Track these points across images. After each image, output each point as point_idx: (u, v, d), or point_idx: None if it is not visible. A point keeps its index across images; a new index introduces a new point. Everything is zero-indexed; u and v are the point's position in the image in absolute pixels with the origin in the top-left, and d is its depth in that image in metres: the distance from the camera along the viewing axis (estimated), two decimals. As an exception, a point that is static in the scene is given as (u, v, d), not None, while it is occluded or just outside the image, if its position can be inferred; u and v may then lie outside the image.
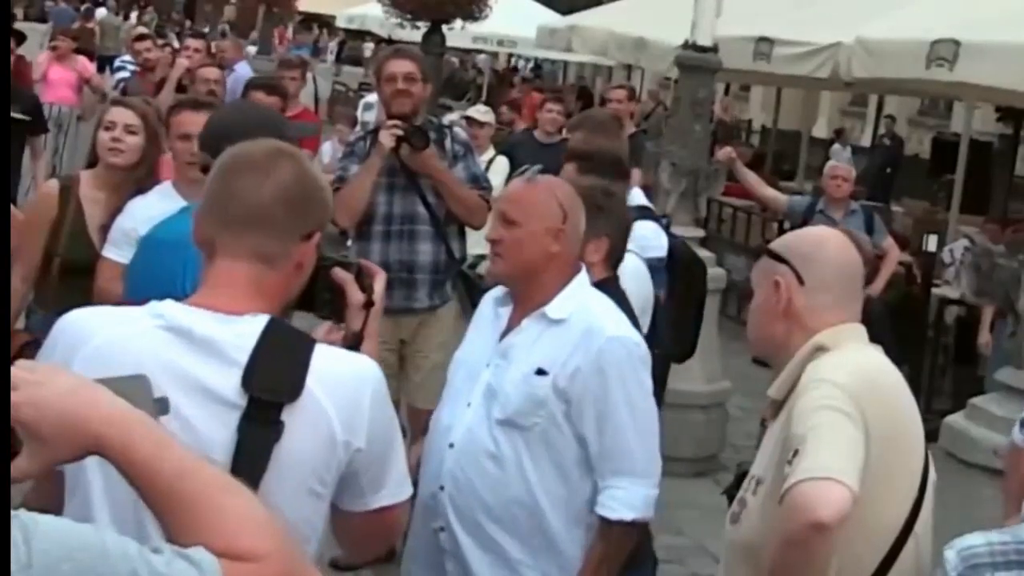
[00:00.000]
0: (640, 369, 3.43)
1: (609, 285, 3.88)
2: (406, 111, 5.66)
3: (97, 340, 2.18)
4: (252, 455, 2.13)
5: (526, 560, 3.39)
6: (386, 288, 5.78)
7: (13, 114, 4.16)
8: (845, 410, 2.62)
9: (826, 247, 2.93)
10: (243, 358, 2.15)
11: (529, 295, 3.44)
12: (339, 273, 2.52)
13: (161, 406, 1.74)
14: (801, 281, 2.86)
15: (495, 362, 3.44)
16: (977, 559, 2.64)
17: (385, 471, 2.33)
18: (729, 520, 2.90)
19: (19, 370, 1.51)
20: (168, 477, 1.50)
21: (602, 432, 3.35)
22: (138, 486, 1.51)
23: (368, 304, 2.55)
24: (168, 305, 2.21)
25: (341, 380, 2.23)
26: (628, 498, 3.37)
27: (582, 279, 3.49)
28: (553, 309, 3.39)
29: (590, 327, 3.37)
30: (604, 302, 3.49)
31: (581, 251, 3.79)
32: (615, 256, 4.03)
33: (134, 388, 1.70)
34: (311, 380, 2.17)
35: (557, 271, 3.44)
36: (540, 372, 3.36)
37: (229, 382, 2.15)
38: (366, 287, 2.56)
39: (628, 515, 3.37)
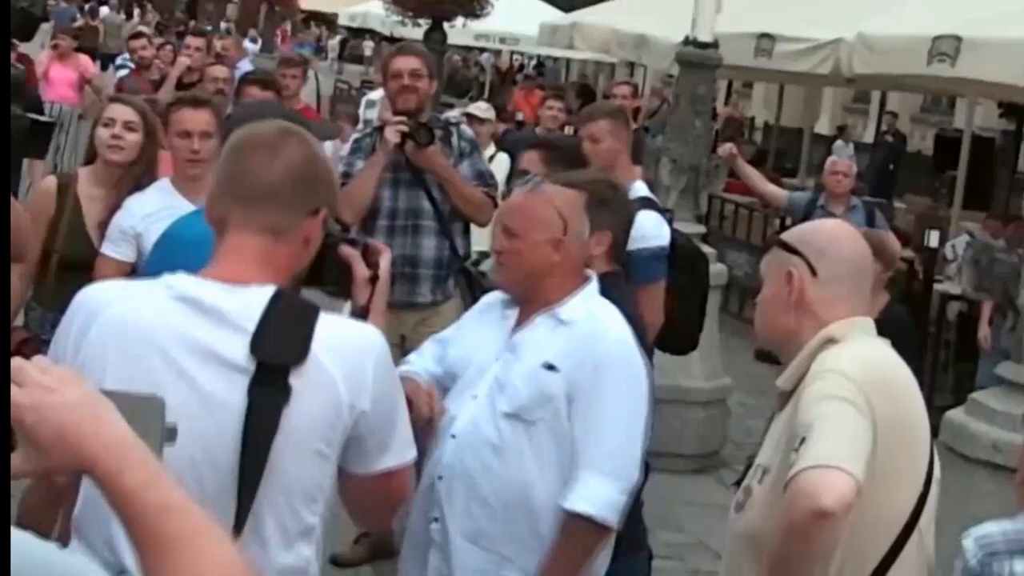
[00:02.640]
0: (637, 377, 3.40)
1: (613, 278, 3.89)
2: (411, 107, 5.66)
3: (113, 309, 2.32)
4: (262, 417, 2.24)
5: (513, 556, 3.35)
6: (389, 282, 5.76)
7: (39, 117, 4.16)
8: (853, 401, 2.62)
9: (840, 240, 2.95)
10: (250, 326, 2.27)
11: (534, 301, 3.46)
12: (346, 250, 2.65)
13: (169, 434, 1.73)
14: (814, 273, 2.87)
15: (504, 356, 3.44)
16: (994, 547, 2.83)
17: (390, 435, 2.43)
18: (734, 508, 2.90)
19: (33, 369, 1.48)
20: (153, 511, 1.47)
21: (586, 428, 3.31)
22: (122, 515, 1.49)
23: (373, 279, 2.66)
24: (179, 277, 2.34)
25: (346, 346, 2.34)
26: (588, 493, 3.28)
27: (592, 288, 3.51)
28: (565, 310, 3.41)
29: (595, 329, 3.38)
30: (611, 311, 3.49)
31: (585, 243, 3.80)
32: (618, 249, 4.03)
33: (146, 409, 1.67)
34: (317, 346, 2.28)
35: (561, 277, 3.46)
36: (550, 367, 3.36)
37: (238, 348, 2.26)
38: (372, 263, 2.67)
39: (583, 507, 3.26)
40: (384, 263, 2.69)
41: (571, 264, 3.49)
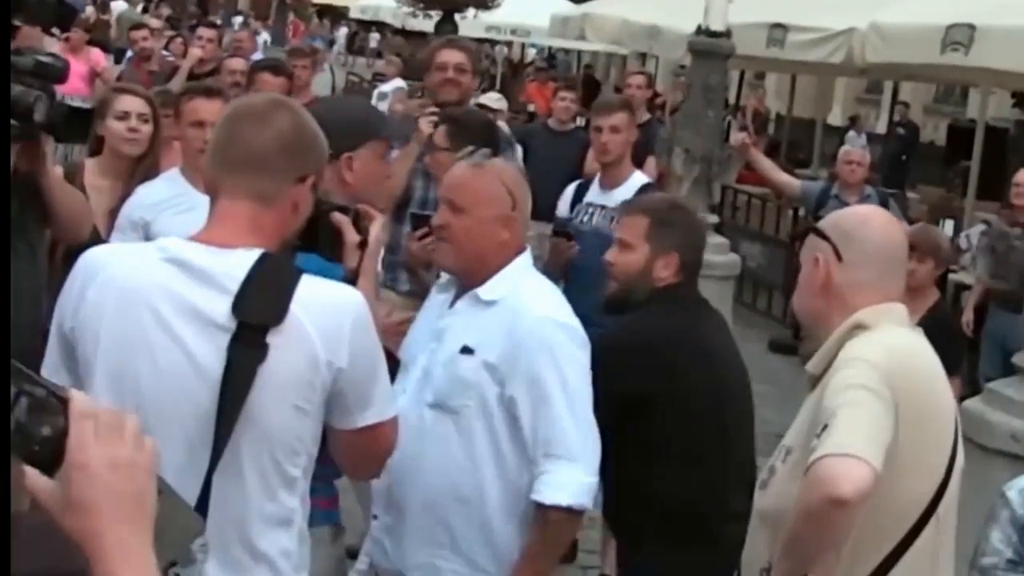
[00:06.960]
0: (576, 351, 3.25)
1: (673, 290, 3.78)
2: (453, 100, 5.71)
3: (109, 270, 2.46)
4: (239, 373, 2.36)
5: (450, 545, 3.26)
6: (414, 272, 5.83)
7: (80, 104, 4.12)
8: (877, 390, 2.63)
9: (868, 225, 2.94)
10: (234, 287, 2.38)
11: (475, 282, 3.32)
12: (337, 216, 2.74)
13: (187, 555, 1.72)
14: (839, 257, 2.87)
15: (430, 346, 3.32)
16: None
17: (370, 392, 2.53)
18: (758, 486, 2.95)
19: (118, 427, 1.44)
20: None
21: (536, 416, 3.18)
22: None
23: (363, 244, 2.75)
24: (171, 240, 2.47)
25: (324, 306, 2.43)
26: (561, 482, 3.15)
27: (521, 262, 3.35)
28: (485, 290, 3.27)
29: (519, 307, 3.23)
30: (539, 285, 3.36)
31: (651, 266, 3.73)
32: (688, 268, 3.85)
33: (184, 522, 1.68)
34: (296, 306, 2.39)
35: (505, 258, 3.32)
36: (465, 351, 3.22)
37: (221, 307, 2.38)
38: (362, 229, 2.76)
39: (563, 499, 3.14)
40: (374, 229, 2.75)
41: (516, 244, 3.34)
